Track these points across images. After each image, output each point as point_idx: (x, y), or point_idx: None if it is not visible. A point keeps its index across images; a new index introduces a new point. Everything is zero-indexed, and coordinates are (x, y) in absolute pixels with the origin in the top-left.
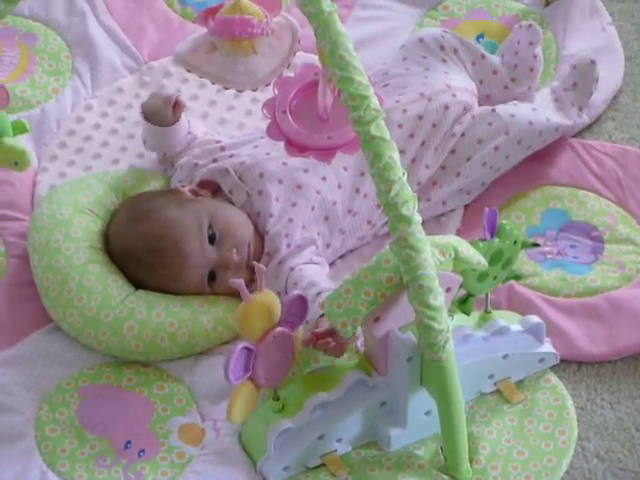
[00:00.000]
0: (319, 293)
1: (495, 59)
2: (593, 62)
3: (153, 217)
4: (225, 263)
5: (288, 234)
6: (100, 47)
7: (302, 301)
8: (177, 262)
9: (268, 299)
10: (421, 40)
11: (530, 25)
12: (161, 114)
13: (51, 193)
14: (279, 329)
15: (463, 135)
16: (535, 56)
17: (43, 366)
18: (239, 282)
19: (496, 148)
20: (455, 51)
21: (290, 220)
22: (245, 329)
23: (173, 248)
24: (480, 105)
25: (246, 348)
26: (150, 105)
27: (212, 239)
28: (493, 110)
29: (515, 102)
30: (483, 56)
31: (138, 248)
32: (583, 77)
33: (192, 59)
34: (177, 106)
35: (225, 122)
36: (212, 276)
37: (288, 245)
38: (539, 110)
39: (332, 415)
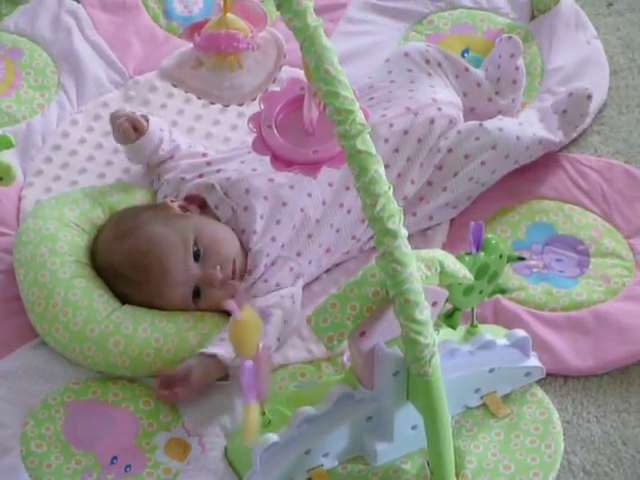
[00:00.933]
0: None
1: (479, 72)
2: (589, 97)
3: (139, 233)
4: (209, 281)
5: (269, 253)
6: (85, 62)
7: None
8: (160, 279)
9: (252, 313)
10: (406, 54)
11: (510, 37)
12: (124, 136)
13: (37, 208)
14: (262, 342)
15: (450, 151)
16: (517, 68)
17: (29, 381)
18: (232, 304)
19: (483, 163)
20: (439, 64)
21: (273, 239)
22: (242, 346)
23: (157, 265)
24: (465, 118)
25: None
26: (114, 131)
27: (197, 256)
28: (480, 125)
29: (500, 117)
30: (467, 69)
31: (124, 264)
32: (575, 107)
33: (178, 74)
34: (136, 124)
35: (211, 136)
36: (197, 293)
37: (266, 265)
38: (525, 125)
39: (318, 430)
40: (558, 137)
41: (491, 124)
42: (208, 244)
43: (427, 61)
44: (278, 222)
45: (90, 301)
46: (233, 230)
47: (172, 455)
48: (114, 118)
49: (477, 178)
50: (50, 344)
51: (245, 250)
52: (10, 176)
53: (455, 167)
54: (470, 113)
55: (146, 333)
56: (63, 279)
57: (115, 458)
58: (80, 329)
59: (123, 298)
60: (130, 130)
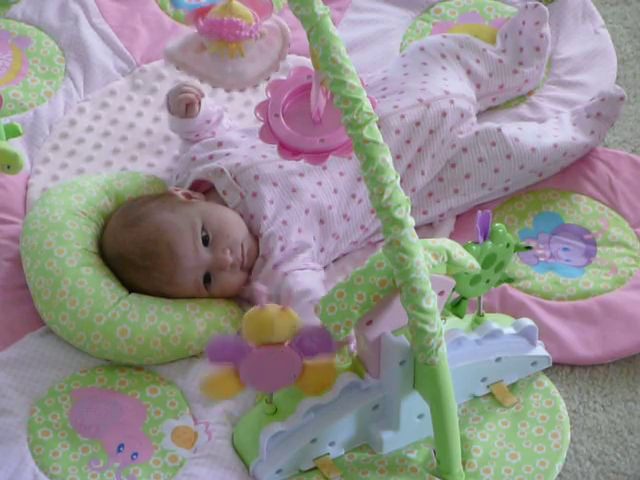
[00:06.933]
0: (311, 302)
1: (497, 48)
2: (622, 98)
3: (146, 221)
4: (219, 264)
5: (282, 237)
6: (93, 50)
7: (321, 334)
8: (171, 265)
9: (279, 318)
10: (422, 48)
11: (536, 5)
12: (179, 109)
13: (44, 196)
14: (285, 349)
15: (465, 150)
16: (542, 36)
17: (36, 369)
18: (261, 289)
19: (496, 170)
20: (457, 57)
21: (284, 222)
22: (244, 331)
23: (167, 251)
24: (496, 99)
25: (235, 341)
26: (172, 99)
27: (205, 241)
28: (499, 130)
29: (521, 126)
30: (485, 49)
31: (133, 252)
32: (610, 109)
33: (182, 57)
34: (189, 105)
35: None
36: (207, 278)
37: (282, 248)
38: (544, 136)
39: (325, 418)
40: (590, 140)
41: (510, 131)
42: (216, 228)
43: (443, 55)
44: (288, 207)
45: (97, 290)
46: (241, 216)
47: (179, 443)
48: (182, 90)
49: (490, 185)
50: (57, 332)
51: (255, 235)
52: (17, 164)
53: (468, 168)
54: (500, 91)
55: (153, 321)
56: (70, 268)
57: (122, 446)
58: (87, 317)
59: (131, 287)
60: (196, 105)
